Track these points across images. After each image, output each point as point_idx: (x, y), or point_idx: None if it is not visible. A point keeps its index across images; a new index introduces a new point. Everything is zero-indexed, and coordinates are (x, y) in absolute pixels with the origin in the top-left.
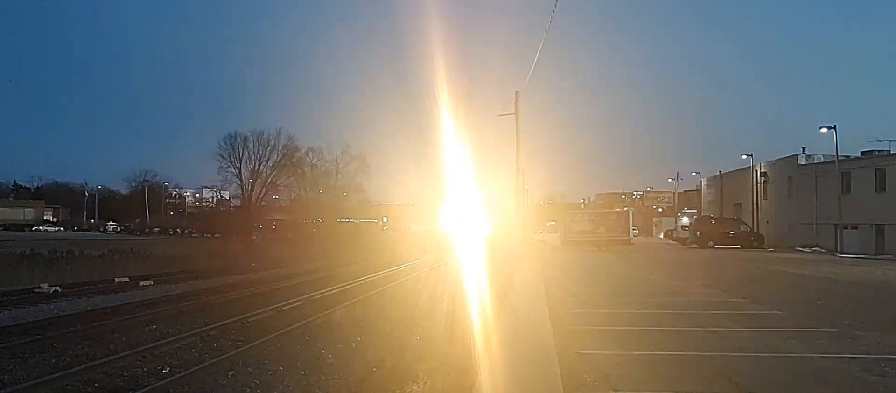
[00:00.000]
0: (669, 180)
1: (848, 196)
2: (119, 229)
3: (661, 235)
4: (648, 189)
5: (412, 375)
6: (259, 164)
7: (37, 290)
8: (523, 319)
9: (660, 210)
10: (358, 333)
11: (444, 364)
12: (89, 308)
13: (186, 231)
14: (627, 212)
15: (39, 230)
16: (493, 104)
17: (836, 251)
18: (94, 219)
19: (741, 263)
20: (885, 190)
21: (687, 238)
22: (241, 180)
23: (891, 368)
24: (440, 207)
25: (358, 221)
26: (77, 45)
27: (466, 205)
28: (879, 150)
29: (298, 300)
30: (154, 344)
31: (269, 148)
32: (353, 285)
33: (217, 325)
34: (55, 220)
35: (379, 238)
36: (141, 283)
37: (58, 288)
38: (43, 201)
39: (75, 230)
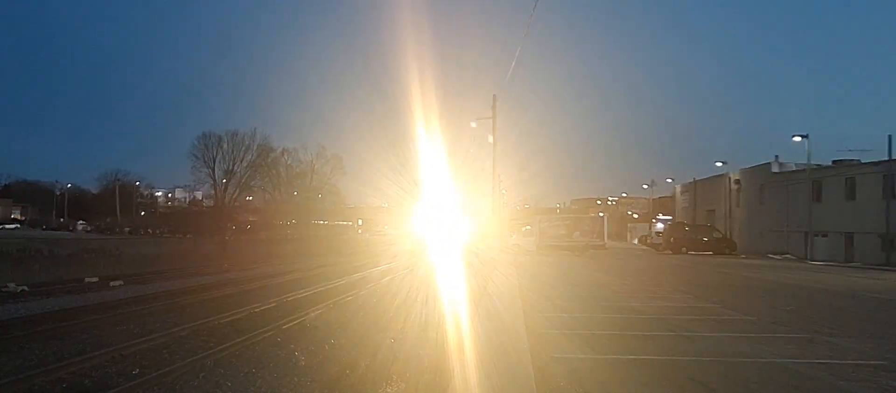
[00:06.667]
0: (644, 186)
1: (819, 204)
2: (89, 229)
3: (636, 241)
4: (624, 195)
5: (386, 377)
6: (233, 165)
7: (4, 289)
8: (497, 321)
9: (635, 216)
10: (331, 335)
11: (419, 366)
12: (58, 308)
13: (158, 231)
14: (602, 217)
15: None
16: (470, 109)
17: (807, 258)
18: (63, 218)
19: (714, 269)
20: (854, 198)
21: (661, 244)
22: (214, 180)
23: (859, 373)
24: (416, 210)
25: (333, 223)
26: (48, 42)
27: (442, 208)
28: (850, 160)
29: (271, 302)
30: (124, 345)
31: (243, 148)
32: (327, 287)
33: (188, 326)
34: (24, 218)
35: (354, 240)
36: (111, 283)
37: (25, 287)
38: (11, 200)
39: (43, 229)
